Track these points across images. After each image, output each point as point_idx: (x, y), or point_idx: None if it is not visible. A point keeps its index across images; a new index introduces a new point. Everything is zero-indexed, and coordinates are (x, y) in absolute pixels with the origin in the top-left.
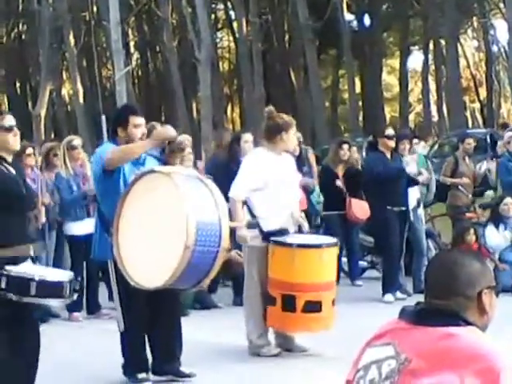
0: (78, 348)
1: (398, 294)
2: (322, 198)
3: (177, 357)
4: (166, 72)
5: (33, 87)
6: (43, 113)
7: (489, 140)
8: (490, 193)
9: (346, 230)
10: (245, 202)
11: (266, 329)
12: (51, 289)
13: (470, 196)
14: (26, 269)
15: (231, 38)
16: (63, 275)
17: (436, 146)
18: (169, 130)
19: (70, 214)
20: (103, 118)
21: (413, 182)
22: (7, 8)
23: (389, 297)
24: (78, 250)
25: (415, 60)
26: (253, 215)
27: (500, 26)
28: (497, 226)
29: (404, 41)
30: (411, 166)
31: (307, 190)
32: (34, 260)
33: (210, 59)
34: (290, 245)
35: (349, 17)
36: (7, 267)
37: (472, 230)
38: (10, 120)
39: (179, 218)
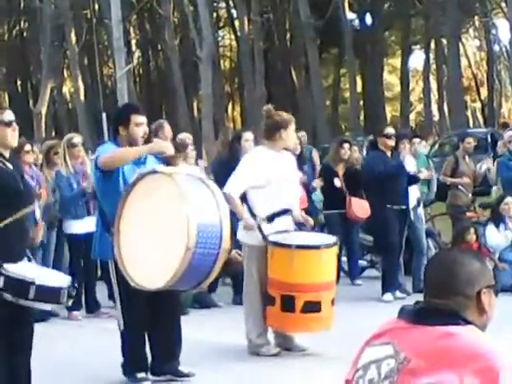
0: (77, 347)
1: (398, 294)
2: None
3: (176, 356)
4: (167, 70)
5: (34, 85)
6: (44, 110)
7: (489, 139)
8: (495, 188)
9: (345, 228)
10: (244, 201)
11: (266, 328)
12: (49, 294)
13: (470, 195)
14: (26, 270)
15: (233, 37)
16: (63, 280)
17: (437, 146)
18: (169, 148)
19: (70, 211)
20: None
21: (413, 179)
22: (9, 5)
23: (388, 296)
24: (77, 248)
25: (416, 59)
26: (253, 214)
27: (502, 25)
28: (497, 226)
29: (405, 40)
30: (409, 166)
31: (308, 189)
32: (30, 258)
33: (211, 57)
34: (289, 246)
35: (350, 15)
36: (6, 266)
37: (472, 230)
38: (9, 115)
39: (180, 220)
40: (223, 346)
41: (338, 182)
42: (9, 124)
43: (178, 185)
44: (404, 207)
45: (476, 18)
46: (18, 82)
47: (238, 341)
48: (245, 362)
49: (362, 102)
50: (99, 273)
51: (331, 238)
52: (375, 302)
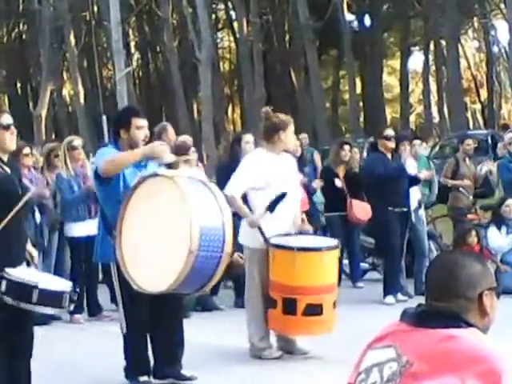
0: (79, 350)
1: (399, 296)
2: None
3: (178, 359)
4: (166, 72)
5: (33, 88)
6: (44, 113)
7: (490, 141)
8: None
9: (347, 231)
10: (244, 202)
11: (268, 331)
12: (52, 298)
13: (471, 197)
14: (28, 274)
15: (232, 38)
16: (65, 285)
17: (437, 148)
18: (163, 152)
19: (71, 214)
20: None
21: (414, 181)
22: (8, 8)
23: (390, 299)
24: (78, 251)
25: (416, 61)
26: None
27: (501, 26)
28: (499, 228)
29: (405, 41)
30: (410, 168)
31: (309, 191)
32: (29, 262)
33: (210, 59)
34: (291, 248)
35: (349, 17)
36: (8, 270)
37: (474, 232)
38: (7, 118)
39: (183, 223)
40: (225, 349)
41: (338, 183)
42: (7, 127)
43: (179, 187)
44: (405, 209)
45: (475, 19)
46: (18, 85)
47: (239, 344)
48: (247, 365)
49: (361, 104)
50: (101, 276)
51: (332, 241)
52: (377, 305)
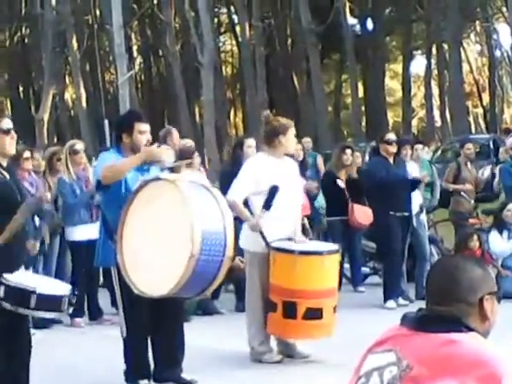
0: (79, 354)
1: (400, 301)
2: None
3: (179, 362)
4: (168, 76)
5: (36, 91)
6: (46, 117)
7: (492, 145)
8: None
9: (348, 235)
10: (245, 207)
11: (268, 335)
12: (51, 302)
13: (473, 202)
14: (26, 279)
15: (234, 42)
16: (64, 289)
17: (439, 152)
18: (168, 157)
19: (73, 218)
20: (106, 122)
21: (415, 184)
22: (10, 12)
23: (391, 303)
24: (79, 255)
25: (418, 65)
26: None
27: (503, 30)
28: (500, 232)
29: (407, 45)
30: (413, 173)
31: (311, 196)
32: (27, 266)
33: (212, 63)
34: (292, 251)
35: (352, 21)
36: (5, 275)
37: (475, 236)
38: (7, 123)
39: (184, 227)
40: (226, 352)
41: (341, 183)
42: (7, 132)
43: (181, 191)
44: (407, 214)
45: (477, 23)
46: (20, 89)
47: (240, 348)
48: (247, 369)
49: (363, 108)
50: (101, 280)
51: (333, 246)
52: (378, 309)
